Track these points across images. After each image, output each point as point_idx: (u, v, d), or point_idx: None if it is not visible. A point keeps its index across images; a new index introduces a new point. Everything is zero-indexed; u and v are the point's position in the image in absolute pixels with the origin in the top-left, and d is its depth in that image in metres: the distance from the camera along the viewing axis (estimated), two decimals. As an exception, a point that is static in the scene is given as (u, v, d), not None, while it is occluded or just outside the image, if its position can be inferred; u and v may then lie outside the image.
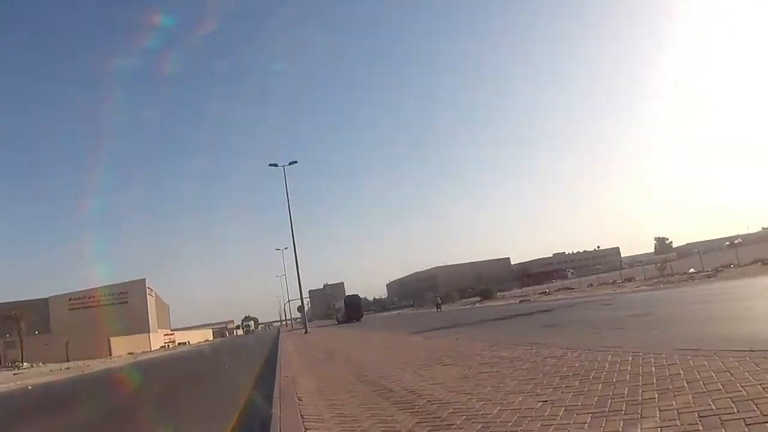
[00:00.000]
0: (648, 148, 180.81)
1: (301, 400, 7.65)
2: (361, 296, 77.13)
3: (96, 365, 41.08)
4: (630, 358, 6.88)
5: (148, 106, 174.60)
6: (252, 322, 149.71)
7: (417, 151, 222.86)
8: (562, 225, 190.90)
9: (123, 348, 60.13)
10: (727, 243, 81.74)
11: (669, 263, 42.97)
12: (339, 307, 73.67)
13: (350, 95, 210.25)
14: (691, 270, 35.68)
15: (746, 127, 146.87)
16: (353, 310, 64.15)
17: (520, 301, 41.81)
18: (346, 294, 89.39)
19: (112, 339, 61.01)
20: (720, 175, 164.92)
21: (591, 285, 45.74)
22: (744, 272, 27.51)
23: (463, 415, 5.20)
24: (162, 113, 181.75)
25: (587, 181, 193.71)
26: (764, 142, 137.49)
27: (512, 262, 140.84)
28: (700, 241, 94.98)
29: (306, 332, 41.43)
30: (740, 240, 78.07)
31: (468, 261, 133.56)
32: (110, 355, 57.12)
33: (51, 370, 36.81)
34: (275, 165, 44.23)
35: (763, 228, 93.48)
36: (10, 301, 65.65)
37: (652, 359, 6.54)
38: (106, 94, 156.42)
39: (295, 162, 45.16)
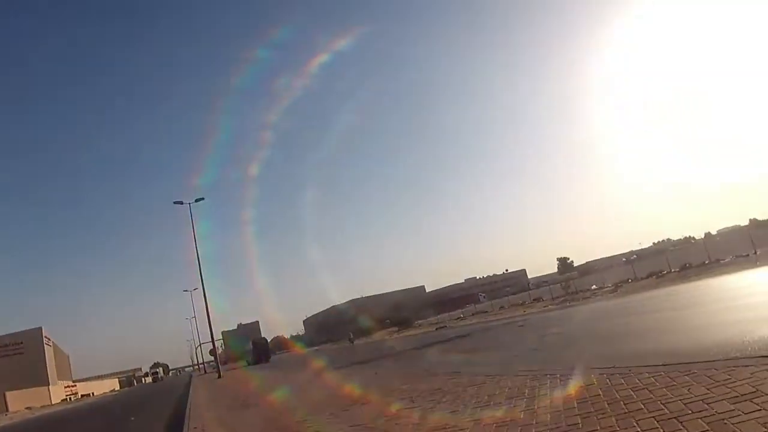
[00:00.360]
0: (546, 172, 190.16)
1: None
2: (279, 333, 78.87)
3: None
4: (548, 382, 6.80)
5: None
6: (161, 368, 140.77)
7: (326, 185, 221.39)
8: (471, 250, 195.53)
9: (21, 402, 55.29)
10: (624, 259, 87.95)
11: (572, 281, 45.28)
12: (248, 349, 74.60)
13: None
14: (594, 287, 37.74)
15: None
16: (261, 351, 67.73)
17: (437, 329, 41.98)
18: (261, 333, 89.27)
19: (7, 393, 55.74)
20: (613, 194, 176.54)
21: (503, 307, 47.12)
22: (642, 286, 29.31)
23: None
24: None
25: (492, 205, 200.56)
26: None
27: (427, 290, 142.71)
28: (599, 259, 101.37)
29: (219, 376, 39.37)
30: (635, 256, 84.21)
31: (384, 291, 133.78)
32: (7, 410, 51.85)
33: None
34: (180, 203, 41.94)
35: (654, 243, 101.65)
36: None
37: (570, 381, 6.48)
38: None
39: (202, 199, 43.30)
